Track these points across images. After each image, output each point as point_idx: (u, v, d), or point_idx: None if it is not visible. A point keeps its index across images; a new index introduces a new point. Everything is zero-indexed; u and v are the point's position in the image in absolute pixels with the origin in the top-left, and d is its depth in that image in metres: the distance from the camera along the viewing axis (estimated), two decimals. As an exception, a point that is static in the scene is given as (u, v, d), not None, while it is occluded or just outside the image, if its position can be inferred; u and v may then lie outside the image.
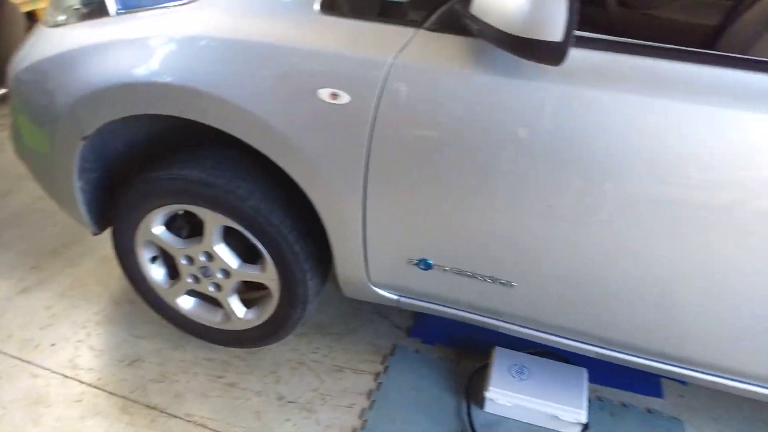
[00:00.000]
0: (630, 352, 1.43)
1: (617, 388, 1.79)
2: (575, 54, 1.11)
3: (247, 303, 1.68)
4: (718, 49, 1.93)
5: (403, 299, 1.52)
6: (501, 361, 1.71)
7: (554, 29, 0.96)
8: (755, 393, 1.38)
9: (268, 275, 1.51)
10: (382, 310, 2.02)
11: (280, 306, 1.56)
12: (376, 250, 1.39)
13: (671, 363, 1.41)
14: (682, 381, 1.83)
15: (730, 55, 1.09)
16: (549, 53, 0.98)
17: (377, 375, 1.78)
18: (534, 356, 1.74)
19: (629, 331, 1.35)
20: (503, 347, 1.76)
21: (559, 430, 1.63)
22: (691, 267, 1.19)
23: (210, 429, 1.59)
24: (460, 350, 1.89)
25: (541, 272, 1.30)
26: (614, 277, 1.26)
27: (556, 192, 1.18)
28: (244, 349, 1.82)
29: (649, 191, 1.13)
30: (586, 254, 1.24)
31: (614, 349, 1.43)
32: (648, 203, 1.14)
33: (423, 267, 1.39)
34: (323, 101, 1.20)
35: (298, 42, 1.20)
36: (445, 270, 1.38)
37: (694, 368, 1.40)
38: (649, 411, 1.73)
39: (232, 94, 1.26)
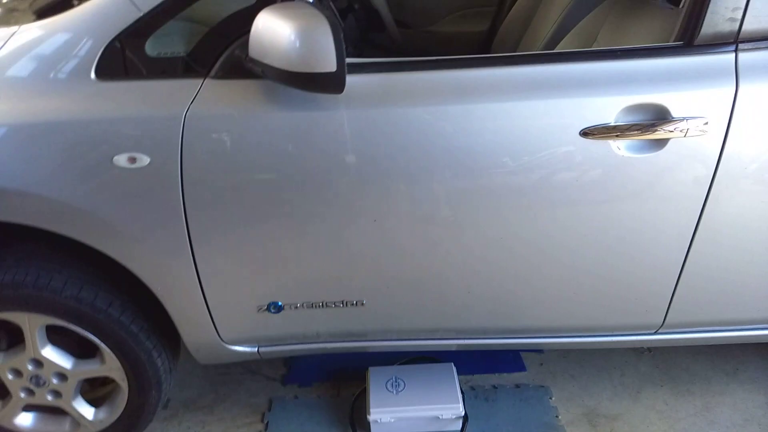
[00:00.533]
0: (484, 336, 1.52)
1: (485, 373, 1.89)
2: (362, 79, 1.18)
3: (97, 401, 1.53)
4: (494, 51, 2.18)
5: (262, 349, 1.48)
6: (376, 380, 1.74)
7: (327, 60, 1.02)
8: (597, 343, 1.54)
9: (109, 366, 1.39)
10: (251, 367, 1.96)
11: (131, 395, 1.44)
12: (221, 307, 1.35)
13: (523, 336, 1.53)
14: (538, 350, 1.99)
15: (499, 56, 1.24)
16: (329, 83, 1.04)
17: (259, 434, 1.72)
18: (405, 365, 1.79)
19: (477, 317, 1.45)
20: (377, 366, 1.78)
21: (443, 429, 1.68)
22: (518, 244, 1.31)
23: None
24: (338, 382, 1.88)
25: (384, 284, 1.35)
26: (451, 271, 1.34)
27: (377, 206, 1.24)
28: (107, 452, 1.65)
29: (461, 186, 1.23)
30: (418, 256, 1.31)
31: (470, 336, 1.52)
32: (464, 197, 1.24)
33: (274, 310, 1.38)
34: (122, 168, 1.15)
35: (79, 114, 1.14)
36: (296, 307, 1.38)
37: (543, 335, 1.53)
38: (517, 386, 1.85)
39: (20, 182, 1.16)
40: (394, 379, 1.74)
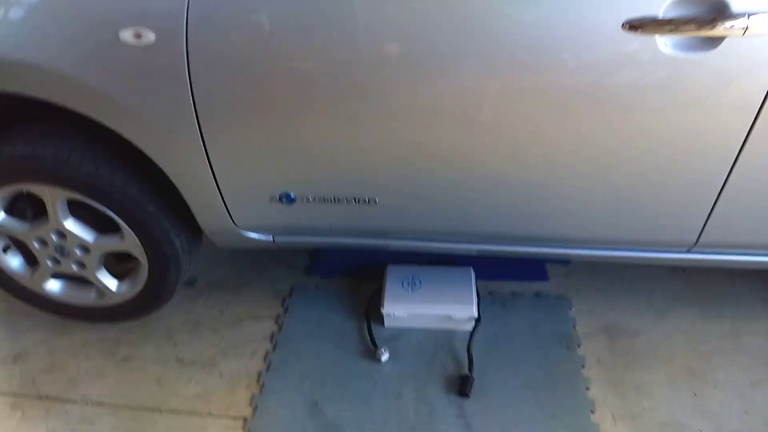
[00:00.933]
0: (506, 243, 1.47)
1: (506, 279, 1.87)
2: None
3: (121, 275, 1.60)
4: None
5: (278, 238, 1.49)
6: (393, 277, 1.74)
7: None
8: (625, 258, 1.47)
9: (128, 242, 1.44)
10: (277, 256, 2.00)
11: (151, 271, 1.50)
12: (232, 193, 1.35)
13: (547, 245, 1.47)
14: (564, 262, 1.93)
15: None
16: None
17: (278, 318, 1.78)
18: (424, 266, 1.79)
19: (499, 222, 1.39)
20: (396, 264, 1.78)
21: (455, 327, 1.69)
22: (546, 148, 1.21)
23: (109, 406, 1.55)
24: (358, 277, 1.90)
25: (397, 183, 1.30)
26: (471, 172, 1.27)
27: (391, 98, 1.16)
28: (136, 321, 1.76)
29: (484, 81, 1.12)
30: (436, 155, 1.24)
31: (491, 242, 1.47)
32: (486, 93, 1.14)
33: (286, 201, 1.36)
34: (128, 44, 1.11)
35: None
36: (308, 200, 1.36)
37: (569, 246, 1.47)
38: (537, 295, 1.82)
39: (32, 55, 1.14)
40: (411, 278, 1.74)
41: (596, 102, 1.13)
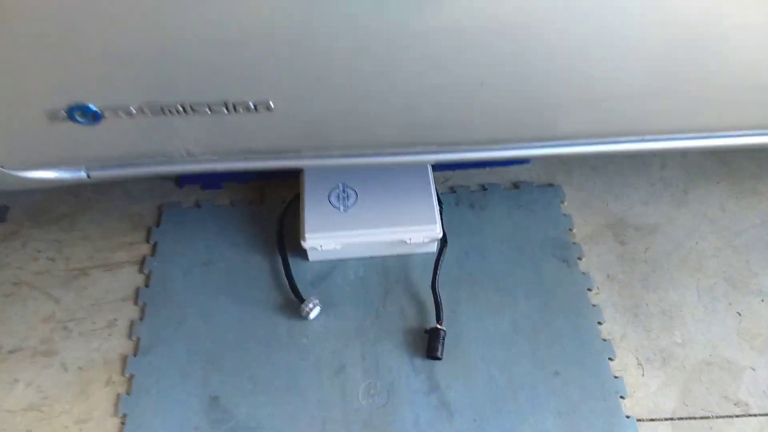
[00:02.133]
0: (486, 148, 0.91)
1: (471, 168, 1.31)
2: None
3: None
4: None
5: (96, 173, 0.82)
6: (314, 189, 1.15)
7: None
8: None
9: None
10: (129, 154, 1.31)
11: None
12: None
13: (561, 144, 0.94)
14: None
15: None
16: None
17: (143, 262, 1.17)
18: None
19: (479, 126, 0.84)
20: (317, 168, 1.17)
21: (412, 252, 1.16)
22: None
23: None
24: (261, 182, 1.28)
25: (304, 74, 0.65)
26: (425, 52, 0.66)
27: None
28: None
29: None
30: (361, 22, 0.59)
31: (460, 150, 0.90)
32: None
33: (87, 120, 0.68)
34: None
35: None
36: (129, 114, 0.68)
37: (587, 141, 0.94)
38: (516, 186, 1.30)
39: None
40: (341, 187, 1.14)
41: None
